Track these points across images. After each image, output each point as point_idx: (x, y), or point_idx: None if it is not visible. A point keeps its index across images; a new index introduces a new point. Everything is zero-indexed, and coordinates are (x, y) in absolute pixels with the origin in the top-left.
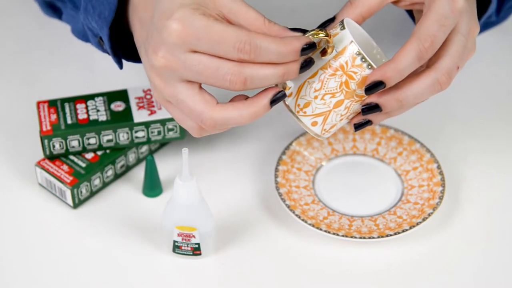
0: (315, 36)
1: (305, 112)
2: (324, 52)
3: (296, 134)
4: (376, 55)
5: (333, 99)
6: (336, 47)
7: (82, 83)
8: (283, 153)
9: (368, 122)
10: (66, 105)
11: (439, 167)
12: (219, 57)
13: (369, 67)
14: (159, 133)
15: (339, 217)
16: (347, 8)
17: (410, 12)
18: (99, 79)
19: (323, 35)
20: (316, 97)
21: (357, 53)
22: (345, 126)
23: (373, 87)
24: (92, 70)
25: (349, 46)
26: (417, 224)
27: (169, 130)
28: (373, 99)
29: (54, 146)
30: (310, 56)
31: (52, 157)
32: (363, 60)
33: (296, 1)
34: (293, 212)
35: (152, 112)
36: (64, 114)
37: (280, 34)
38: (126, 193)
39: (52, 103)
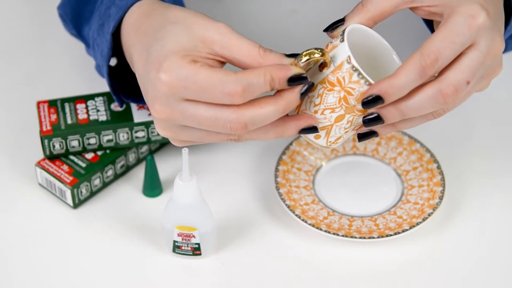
0: (310, 55)
1: None
2: (322, 66)
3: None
4: (393, 56)
5: (333, 114)
6: (334, 62)
7: (82, 83)
8: (283, 153)
9: (374, 133)
10: (66, 105)
11: (439, 167)
12: (214, 104)
13: (367, 83)
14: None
15: (339, 217)
16: (358, 11)
17: (428, 24)
18: (99, 79)
19: (318, 55)
20: (316, 112)
21: (354, 69)
22: None
23: (371, 102)
24: (92, 70)
25: (346, 61)
26: (417, 224)
27: None
28: (373, 109)
29: (54, 146)
30: (308, 83)
31: (52, 157)
32: (360, 76)
33: (296, 1)
34: (293, 212)
35: None
36: (64, 114)
37: (277, 63)
38: (126, 193)
39: (52, 103)
